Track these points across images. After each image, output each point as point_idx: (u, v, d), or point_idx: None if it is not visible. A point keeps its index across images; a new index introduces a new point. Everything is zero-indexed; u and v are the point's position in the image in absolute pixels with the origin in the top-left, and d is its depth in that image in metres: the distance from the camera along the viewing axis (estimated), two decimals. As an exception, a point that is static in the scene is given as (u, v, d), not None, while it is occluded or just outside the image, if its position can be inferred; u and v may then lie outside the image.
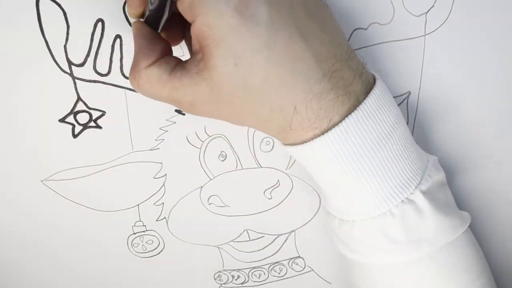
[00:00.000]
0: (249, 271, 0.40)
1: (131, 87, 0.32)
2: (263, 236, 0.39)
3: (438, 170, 0.31)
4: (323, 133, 0.26)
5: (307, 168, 0.29)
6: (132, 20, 0.29)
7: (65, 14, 0.30)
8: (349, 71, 0.27)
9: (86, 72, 0.31)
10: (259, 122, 0.27)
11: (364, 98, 0.27)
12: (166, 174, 0.36)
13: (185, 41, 0.30)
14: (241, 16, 0.24)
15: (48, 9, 0.29)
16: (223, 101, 0.26)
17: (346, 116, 0.26)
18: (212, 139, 0.35)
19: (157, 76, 0.26)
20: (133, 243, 0.38)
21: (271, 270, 0.40)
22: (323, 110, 0.26)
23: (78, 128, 0.33)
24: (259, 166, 0.36)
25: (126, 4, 0.28)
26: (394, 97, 0.30)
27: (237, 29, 0.24)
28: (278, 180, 0.36)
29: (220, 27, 0.24)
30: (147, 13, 0.27)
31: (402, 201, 0.28)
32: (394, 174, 0.28)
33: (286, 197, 0.37)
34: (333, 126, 0.26)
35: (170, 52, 0.28)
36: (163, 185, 0.36)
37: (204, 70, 0.25)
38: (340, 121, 0.26)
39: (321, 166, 0.28)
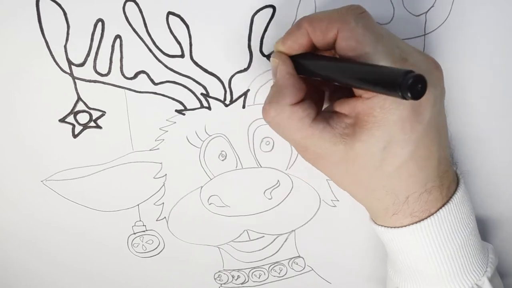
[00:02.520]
0: (249, 271, 0.40)
1: (131, 87, 0.32)
2: (263, 236, 0.39)
3: (496, 258, 0.34)
4: (418, 221, 0.29)
5: (388, 245, 0.32)
6: (279, 50, 0.29)
7: (65, 14, 0.30)
8: (452, 173, 0.30)
9: (86, 72, 0.31)
10: (369, 198, 0.30)
11: (454, 192, 0.30)
12: (166, 174, 0.36)
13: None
14: (413, 112, 0.26)
15: (48, 9, 0.29)
16: (349, 169, 0.28)
17: (440, 207, 0.29)
18: (212, 139, 0.35)
19: (300, 117, 0.27)
20: (133, 243, 0.38)
21: (271, 270, 0.40)
22: (428, 205, 0.29)
23: (78, 128, 0.33)
24: (259, 166, 0.36)
25: (286, 37, 0.28)
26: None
27: (404, 121, 0.25)
28: (278, 180, 0.36)
29: (392, 114, 0.25)
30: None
31: (472, 286, 0.31)
32: (468, 262, 0.31)
33: (286, 197, 0.37)
34: (429, 216, 0.29)
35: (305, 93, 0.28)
36: (163, 185, 0.36)
37: (349, 136, 0.26)
38: (436, 211, 0.29)
39: (407, 250, 0.30)
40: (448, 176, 0.29)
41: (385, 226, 0.30)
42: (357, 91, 0.26)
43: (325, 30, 0.26)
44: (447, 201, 0.29)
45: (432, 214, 0.29)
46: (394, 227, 0.30)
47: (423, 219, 0.29)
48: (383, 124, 0.25)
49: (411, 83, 0.20)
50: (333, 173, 0.29)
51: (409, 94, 0.20)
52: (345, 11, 0.26)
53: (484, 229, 0.39)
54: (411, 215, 0.29)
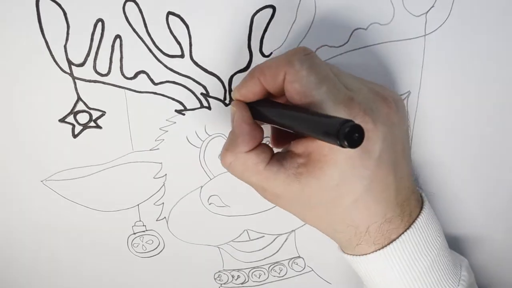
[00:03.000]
0: (249, 271, 0.40)
1: (131, 87, 0.32)
2: (263, 236, 0.39)
3: (470, 275, 0.34)
4: (382, 248, 0.30)
5: (359, 273, 0.32)
6: (234, 97, 0.30)
7: (65, 14, 0.30)
8: (414, 200, 0.31)
9: (86, 72, 0.31)
10: (331, 231, 0.31)
11: (417, 216, 0.30)
12: (166, 174, 0.36)
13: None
14: (361, 150, 0.26)
15: (48, 9, 0.29)
16: (308, 205, 0.29)
17: (402, 233, 0.30)
18: (212, 139, 0.35)
19: (253, 163, 0.28)
20: (133, 243, 0.38)
21: (271, 270, 0.40)
22: (389, 233, 0.29)
23: (78, 128, 0.33)
24: (259, 166, 0.36)
25: (240, 86, 0.29)
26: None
27: (353, 159, 0.26)
28: (278, 180, 0.36)
29: (341, 153, 0.26)
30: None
31: None
32: (437, 282, 0.31)
33: (286, 197, 0.37)
34: (391, 242, 0.29)
35: (262, 138, 0.29)
36: (163, 185, 0.36)
37: (303, 175, 0.27)
38: (397, 237, 0.29)
39: (376, 277, 0.31)
40: (409, 204, 0.30)
41: (351, 255, 0.31)
42: None
43: (274, 76, 0.27)
44: (409, 226, 0.30)
45: (394, 240, 0.29)
46: (360, 255, 0.30)
47: (385, 246, 0.30)
48: (333, 163, 0.26)
49: (347, 133, 0.20)
50: (294, 210, 0.30)
51: (346, 143, 0.21)
52: (291, 54, 0.27)
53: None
54: (374, 243, 0.30)
